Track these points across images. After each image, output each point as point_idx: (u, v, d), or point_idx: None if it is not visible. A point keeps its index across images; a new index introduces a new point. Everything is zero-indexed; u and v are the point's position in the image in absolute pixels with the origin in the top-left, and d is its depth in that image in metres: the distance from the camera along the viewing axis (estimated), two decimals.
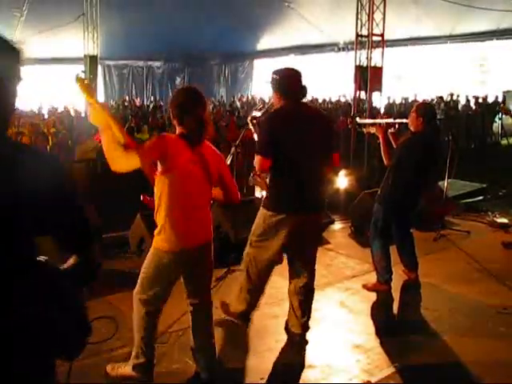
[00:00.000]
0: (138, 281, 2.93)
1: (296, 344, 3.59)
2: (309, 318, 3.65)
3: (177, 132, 2.83)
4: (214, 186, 2.94)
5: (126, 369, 3.00)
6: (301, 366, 3.35)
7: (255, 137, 3.97)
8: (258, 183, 3.73)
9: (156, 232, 2.84)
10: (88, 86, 2.53)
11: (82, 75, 2.60)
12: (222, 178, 2.96)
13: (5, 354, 1.37)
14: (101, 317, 3.39)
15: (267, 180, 3.48)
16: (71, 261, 1.60)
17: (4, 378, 1.39)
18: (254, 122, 4.10)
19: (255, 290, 3.65)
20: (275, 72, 3.41)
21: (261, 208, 3.51)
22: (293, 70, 3.46)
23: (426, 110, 4.45)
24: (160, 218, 2.80)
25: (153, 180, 2.79)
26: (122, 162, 2.57)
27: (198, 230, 2.86)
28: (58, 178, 1.49)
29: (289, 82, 3.36)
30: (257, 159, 3.30)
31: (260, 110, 4.27)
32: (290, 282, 3.67)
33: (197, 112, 2.77)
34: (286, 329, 3.73)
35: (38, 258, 1.49)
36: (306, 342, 3.61)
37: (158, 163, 2.71)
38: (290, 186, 3.34)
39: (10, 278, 1.37)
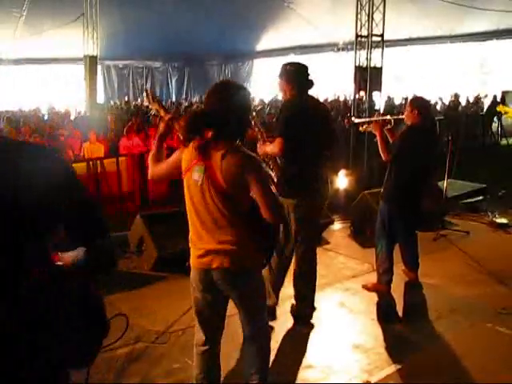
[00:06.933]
0: None
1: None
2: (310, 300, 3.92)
3: None
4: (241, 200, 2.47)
5: None
6: (301, 365, 3.36)
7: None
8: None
9: None
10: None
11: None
12: (254, 194, 2.43)
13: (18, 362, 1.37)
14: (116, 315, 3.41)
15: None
16: (81, 252, 1.56)
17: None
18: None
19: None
20: (289, 64, 3.74)
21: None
22: (303, 64, 3.82)
23: (420, 102, 4.44)
24: None
25: None
26: (152, 173, 2.71)
27: (217, 250, 2.46)
28: (62, 171, 1.48)
29: (303, 75, 3.72)
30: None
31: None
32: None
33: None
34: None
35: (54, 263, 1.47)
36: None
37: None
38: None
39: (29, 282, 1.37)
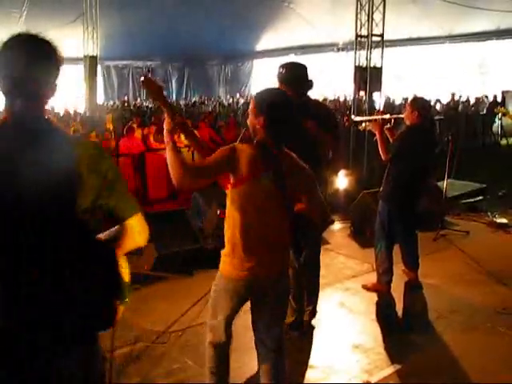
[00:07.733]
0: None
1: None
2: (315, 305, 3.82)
3: (257, 138, 2.46)
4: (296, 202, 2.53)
5: None
6: (301, 365, 3.35)
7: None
8: None
9: (223, 252, 2.50)
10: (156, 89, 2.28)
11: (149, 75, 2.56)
12: (305, 195, 2.53)
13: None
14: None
15: None
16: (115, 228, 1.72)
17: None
18: None
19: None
20: (284, 66, 3.57)
21: None
22: (300, 64, 3.65)
23: (420, 103, 4.44)
24: (228, 237, 2.46)
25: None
26: (186, 179, 2.33)
27: (270, 257, 2.44)
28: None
29: (298, 76, 3.56)
30: None
31: None
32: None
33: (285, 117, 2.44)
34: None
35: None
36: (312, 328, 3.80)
37: (230, 174, 2.39)
38: None
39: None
